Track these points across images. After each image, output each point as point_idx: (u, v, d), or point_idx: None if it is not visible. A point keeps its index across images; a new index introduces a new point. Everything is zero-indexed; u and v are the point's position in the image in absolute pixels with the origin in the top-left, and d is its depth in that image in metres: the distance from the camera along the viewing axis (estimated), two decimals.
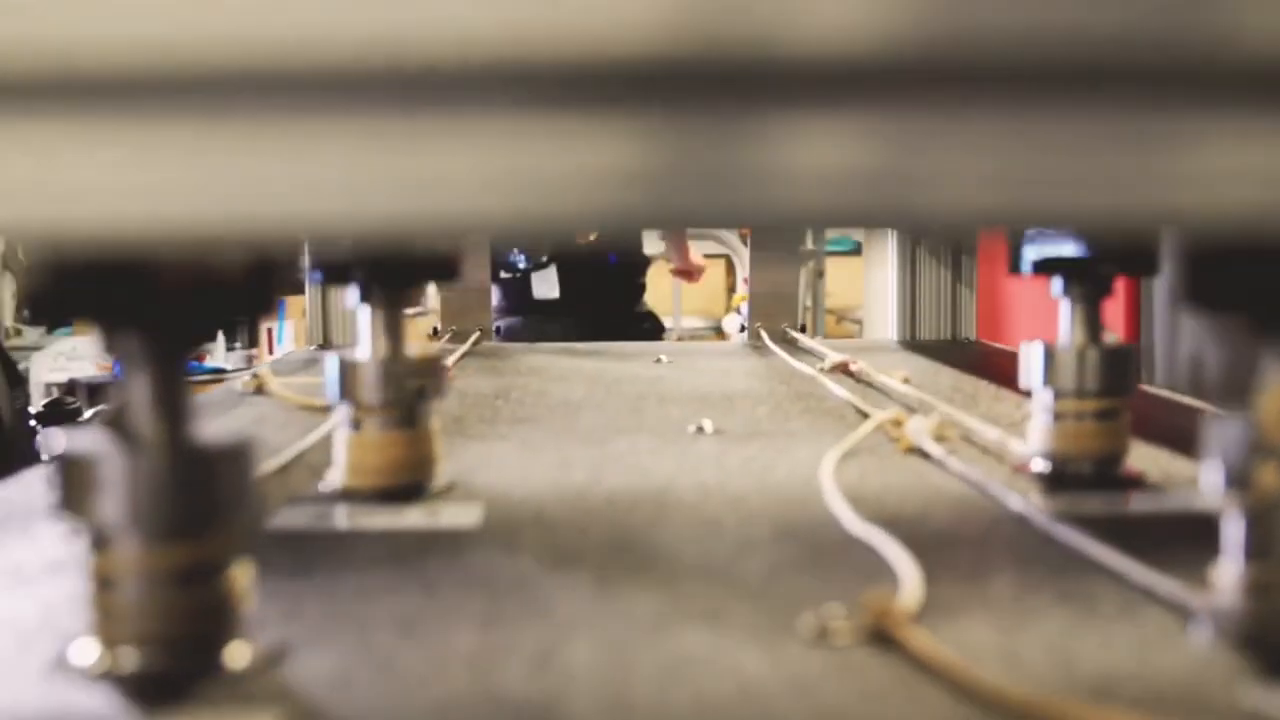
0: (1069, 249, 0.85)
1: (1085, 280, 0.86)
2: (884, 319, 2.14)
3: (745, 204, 0.36)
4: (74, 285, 0.48)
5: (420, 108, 0.36)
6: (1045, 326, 0.91)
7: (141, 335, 0.49)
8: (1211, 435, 0.55)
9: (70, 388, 3.89)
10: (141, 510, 0.50)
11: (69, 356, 5.34)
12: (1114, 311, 0.94)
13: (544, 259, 2.73)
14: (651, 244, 3.12)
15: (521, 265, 2.74)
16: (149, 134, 0.36)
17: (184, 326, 0.50)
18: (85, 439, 0.51)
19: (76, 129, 0.36)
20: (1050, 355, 0.86)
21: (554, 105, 0.36)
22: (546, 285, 2.74)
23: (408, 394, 0.82)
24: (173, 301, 0.48)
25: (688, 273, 3.16)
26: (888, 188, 0.35)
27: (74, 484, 0.50)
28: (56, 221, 0.36)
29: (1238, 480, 0.54)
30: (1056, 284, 0.87)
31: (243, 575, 0.54)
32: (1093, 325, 0.86)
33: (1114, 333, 0.87)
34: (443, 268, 0.84)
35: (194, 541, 0.51)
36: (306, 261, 0.83)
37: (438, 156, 0.36)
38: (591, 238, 1.67)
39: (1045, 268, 0.86)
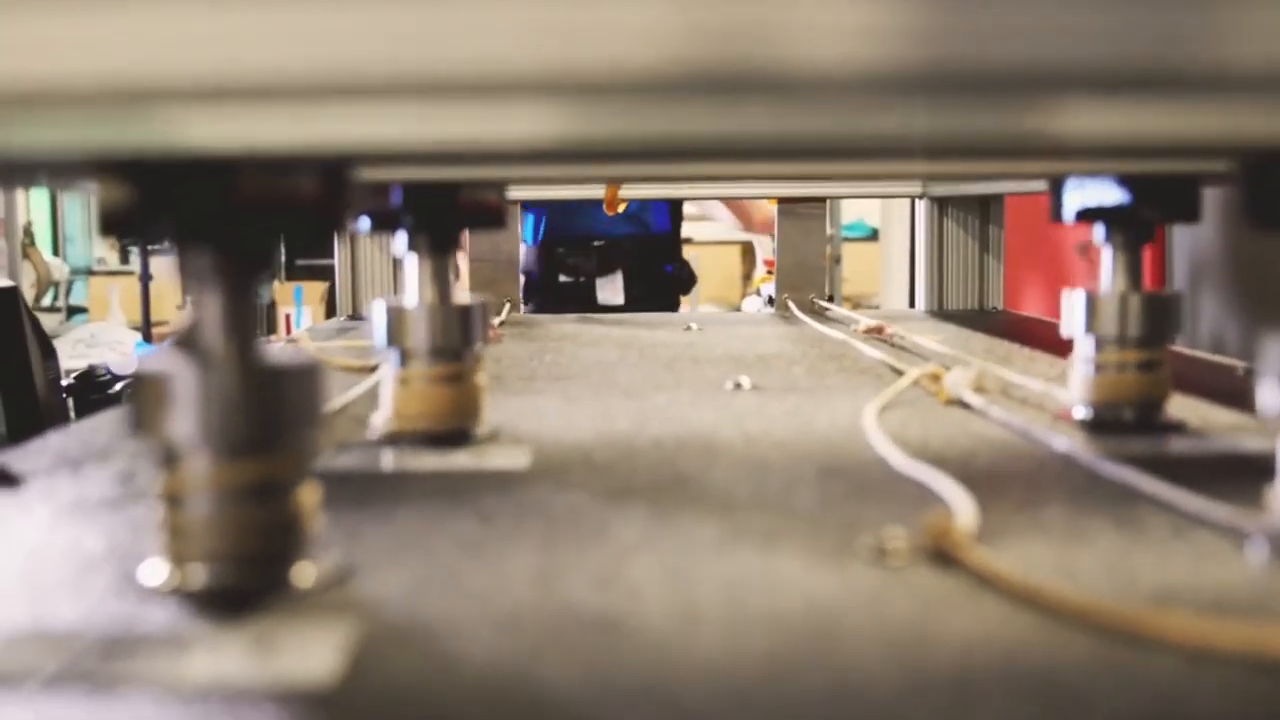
0: (1111, 196, 0.85)
1: (1127, 227, 0.86)
2: (901, 302, 2.14)
3: (790, 61, 0.35)
4: (150, 200, 0.48)
5: None
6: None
7: (215, 251, 0.50)
8: (1266, 356, 0.55)
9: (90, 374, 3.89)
10: (212, 425, 0.51)
11: (88, 344, 5.36)
12: None
13: (609, 266, 2.78)
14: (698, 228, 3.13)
15: (582, 270, 2.78)
16: None
17: (258, 242, 0.50)
18: (159, 359, 0.51)
19: None
20: (1093, 302, 0.86)
21: None
22: (612, 291, 2.78)
23: (454, 340, 0.83)
24: (247, 216, 0.49)
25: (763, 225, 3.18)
26: (936, 46, 0.34)
27: (147, 402, 0.51)
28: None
29: None
30: (1099, 231, 0.87)
31: (310, 495, 0.54)
32: (1134, 272, 0.87)
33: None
34: (489, 215, 0.85)
35: (263, 458, 0.52)
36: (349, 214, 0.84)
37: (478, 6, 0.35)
38: (621, 208, 1.68)
39: (1088, 215, 0.87)
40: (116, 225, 0.49)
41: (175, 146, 0.44)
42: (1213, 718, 0.40)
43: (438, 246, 0.83)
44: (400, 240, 0.83)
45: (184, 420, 0.51)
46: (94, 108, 0.37)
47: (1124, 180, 0.84)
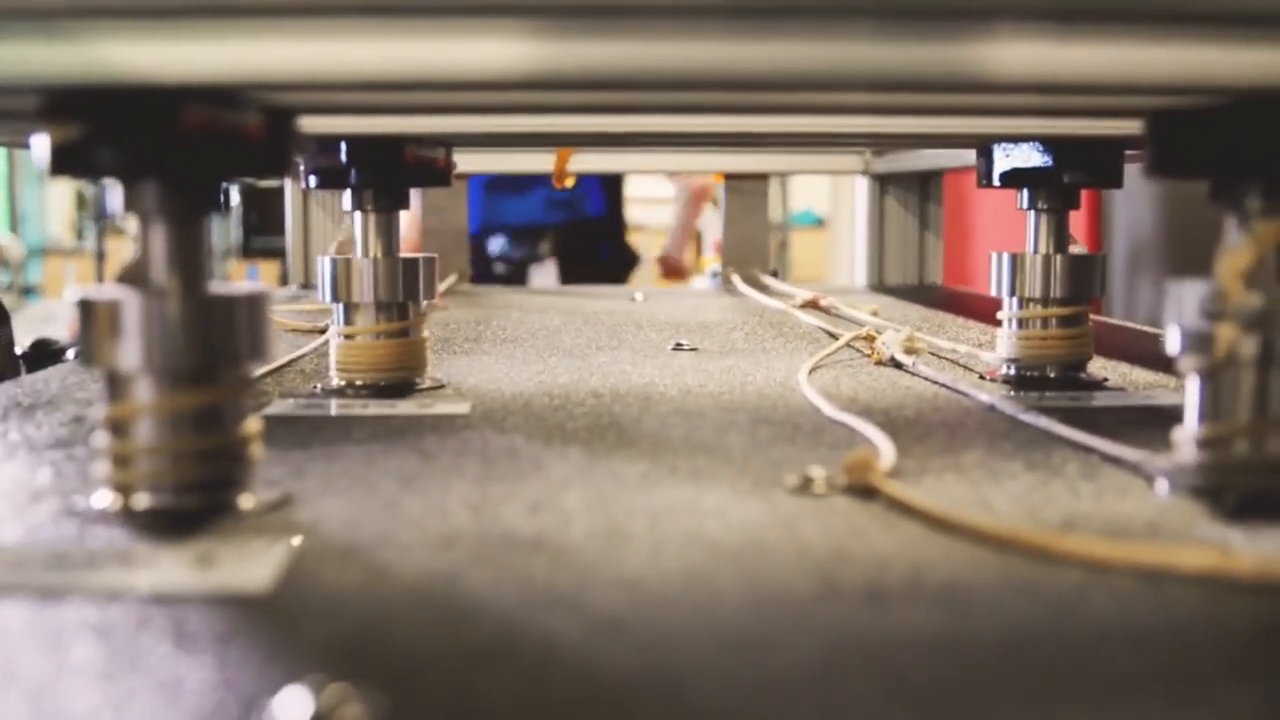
0: (1035, 160, 0.88)
1: (1051, 191, 0.89)
2: (847, 283, 2.16)
3: None
4: (97, 133, 0.50)
5: None
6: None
7: (161, 182, 0.52)
8: (1170, 299, 0.58)
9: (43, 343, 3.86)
10: (156, 353, 0.52)
11: (44, 321, 5.33)
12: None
13: (542, 253, 2.79)
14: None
15: (515, 258, 2.79)
16: None
17: (203, 176, 0.52)
18: (107, 290, 0.53)
19: None
20: (1017, 263, 0.89)
21: None
22: (545, 278, 2.79)
23: (399, 293, 0.85)
24: (191, 147, 0.51)
25: (678, 270, 3.20)
26: None
27: (95, 331, 0.53)
28: None
29: (1195, 342, 0.57)
30: (1024, 195, 0.90)
31: (252, 424, 0.56)
32: (1059, 235, 0.90)
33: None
34: (434, 172, 0.87)
35: (207, 386, 0.54)
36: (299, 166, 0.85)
37: None
38: (569, 183, 1.69)
39: (1012, 179, 0.90)
40: (66, 162, 0.51)
41: (114, 71, 0.45)
42: (1104, 619, 0.42)
43: (383, 202, 0.85)
44: (346, 196, 0.85)
45: (130, 349, 0.52)
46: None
47: (1047, 145, 0.87)
